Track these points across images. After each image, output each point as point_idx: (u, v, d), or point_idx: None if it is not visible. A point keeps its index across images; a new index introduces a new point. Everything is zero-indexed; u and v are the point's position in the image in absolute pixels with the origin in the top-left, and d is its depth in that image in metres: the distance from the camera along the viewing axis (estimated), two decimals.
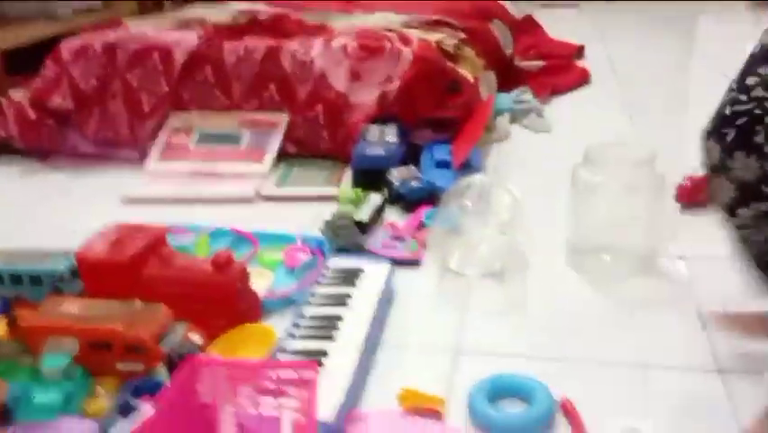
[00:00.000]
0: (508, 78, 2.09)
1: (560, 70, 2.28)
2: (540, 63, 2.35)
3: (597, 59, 2.47)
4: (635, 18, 3.30)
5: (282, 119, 1.63)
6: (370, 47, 1.59)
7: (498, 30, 2.19)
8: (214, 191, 1.50)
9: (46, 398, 0.84)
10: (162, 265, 1.00)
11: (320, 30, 1.70)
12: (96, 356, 0.89)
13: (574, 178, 1.16)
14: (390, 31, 1.67)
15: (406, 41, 1.60)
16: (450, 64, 1.59)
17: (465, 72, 1.60)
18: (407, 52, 1.56)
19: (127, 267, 0.98)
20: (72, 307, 0.94)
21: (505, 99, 1.93)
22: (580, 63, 2.39)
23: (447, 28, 1.80)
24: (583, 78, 2.23)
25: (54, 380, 0.86)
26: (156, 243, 1.03)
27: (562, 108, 2.01)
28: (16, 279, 1.05)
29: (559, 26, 2.84)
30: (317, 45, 1.61)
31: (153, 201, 1.47)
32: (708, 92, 1.03)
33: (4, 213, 1.48)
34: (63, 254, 1.04)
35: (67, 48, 1.78)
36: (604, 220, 1.15)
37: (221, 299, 0.97)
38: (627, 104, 2.01)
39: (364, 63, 1.58)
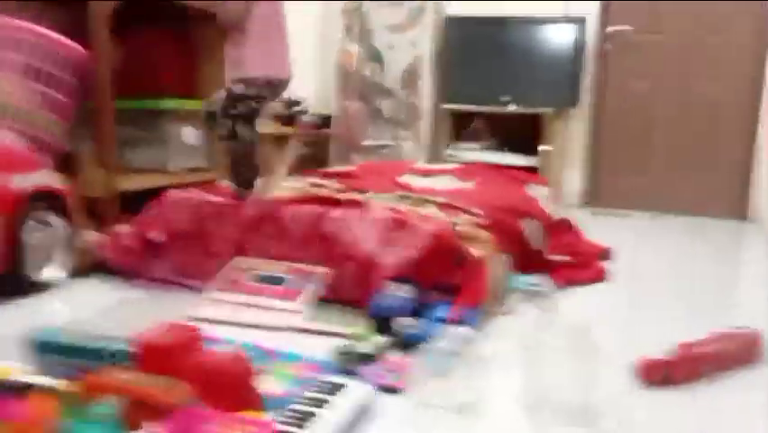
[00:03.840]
0: (531, 265, 2.39)
1: (581, 266, 2.57)
2: (566, 258, 2.65)
3: (624, 262, 2.74)
4: (678, 229, 3.57)
5: (320, 271, 1.99)
6: (398, 221, 1.97)
7: (528, 226, 2.52)
8: (256, 319, 1.84)
9: None
10: (192, 354, 1.32)
11: (361, 204, 2.10)
12: (132, 413, 1.18)
13: (526, 339, 1.42)
14: (416, 210, 2.05)
15: (427, 219, 1.97)
16: (461, 243, 1.92)
17: (475, 250, 1.93)
18: (426, 228, 1.92)
19: (166, 352, 1.30)
20: (122, 375, 1.26)
21: (520, 280, 2.22)
22: (604, 263, 2.67)
23: (467, 215, 2.16)
24: (598, 276, 2.49)
25: (98, 422, 1.16)
26: (192, 339, 1.35)
27: (571, 296, 2.28)
28: (85, 352, 1.39)
29: (602, 229, 3.16)
30: (355, 216, 2.01)
31: (209, 321, 1.82)
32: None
33: (89, 313, 1.86)
34: (122, 339, 1.39)
35: (170, 196, 2.25)
36: (547, 377, 1.39)
37: (229, 385, 1.27)
38: (629, 303, 2.25)
39: (391, 233, 1.95)
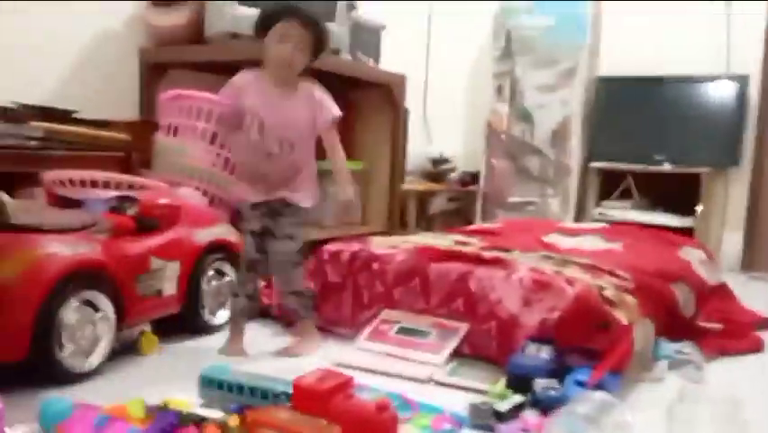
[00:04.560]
0: (680, 332, 2.32)
1: (735, 335, 2.45)
2: (719, 326, 2.54)
3: None
4: None
5: (463, 327, 2.08)
6: (542, 282, 2.01)
7: (680, 291, 2.46)
8: (400, 370, 1.96)
9: None
10: (344, 399, 1.45)
11: (505, 263, 2.17)
12: None
13: (670, 412, 1.42)
14: (559, 272, 2.09)
15: (571, 282, 2.00)
16: (606, 307, 1.94)
17: (620, 316, 1.93)
18: (570, 291, 1.95)
19: (321, 395, 1.44)
20: (282, 414, 1.42)
21: (667, 348, 2.17)
22: (761, 333, 2.53)
23: (614, 278, 2.16)
24: (755, 346, 2.37)
25: None
26: (344, 385, 1.49)
27: (722, 367, 2.18)
28: (251, 391, 1.56)
29: (761, 296, 2.98)
30: (500, 275, 2.08)
31: (356, 368, 1.96)
32: None
33: (256, 357, 2.07)
34: (284, 380, 1.55)
35: (326, 250, 2.45)
36: None
37: (375, 431, 1.38)
38: None
39: (535, 294, 2.00)
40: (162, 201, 2.19)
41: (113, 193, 2.23)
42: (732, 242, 4.29)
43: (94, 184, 2.30)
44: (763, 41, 4.20)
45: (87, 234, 1.93)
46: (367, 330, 2.18)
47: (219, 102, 2.14)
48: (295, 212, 2.11)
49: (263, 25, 2.06)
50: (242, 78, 2.12)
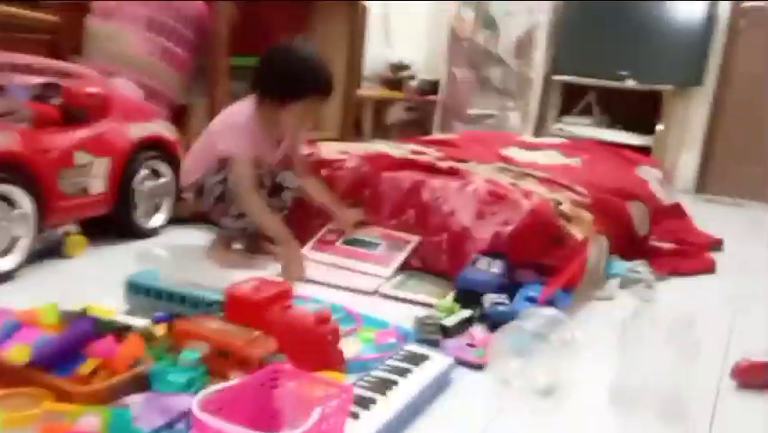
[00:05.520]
0: (633, 251, 2.28)
1: (688, 255, 2.42)
2: (672, 246, 2.51)
3: (736, 255, 2.57)
4: None
5: (414, 240, 1.99)
6: (497, 193, 1.92)
7: (636, 210, 2.40)
8: (346, 281, 1.86)
9: (175, 377, 1.18)
10: (280, 310, 1.35)
11: (461, 173, 2.06)
12: (217, 361, 1.23)
13: (623, 327, 1.36)
14: (515, 184, 1.99)
15: (527, 195, 1.90)
16: (562, 221, 1.85)
17: (575, 231, 1.86)
18: (526, 204, 1.86)
19: (256, 305, 1.34)
20: (212, 324, 1.31)
21: (619, 266, 2.12)
22: (713, 254, 2.51)
23: (571, 193, 2.07)
24: (706, 267, 2.34)
25: (185, 367, 1.21)
26: (282, 295, 1.38)
27: (674, 286, 2.15)
28: (182, 299, 1.45)
29: (714, 218, 2.96)
30: (454, 185, 1.97)
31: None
32: None
33: (186, 260, 1.94)
34: (217, 289, 1.43)
35: None
36: (643, 370, 1.32)
37: (313, 344, 1.28)
38: (737, 297, 2.10)
39: (489, 206, 1.90)
40: (91, 90, 1.99)
41: (37, 80, 2.01)
42: (688, 163, 4.27)
43: (15, 69, 2.06)
44: None
45: (3, 122, 1.74)
46: (313, 240, 2.07)
47: None
48: None
49: (295, 90, 1.88)
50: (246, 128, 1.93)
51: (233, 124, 1.92)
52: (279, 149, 2.02)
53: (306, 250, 2.03)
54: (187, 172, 2.02)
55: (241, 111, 1.94)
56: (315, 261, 1.98)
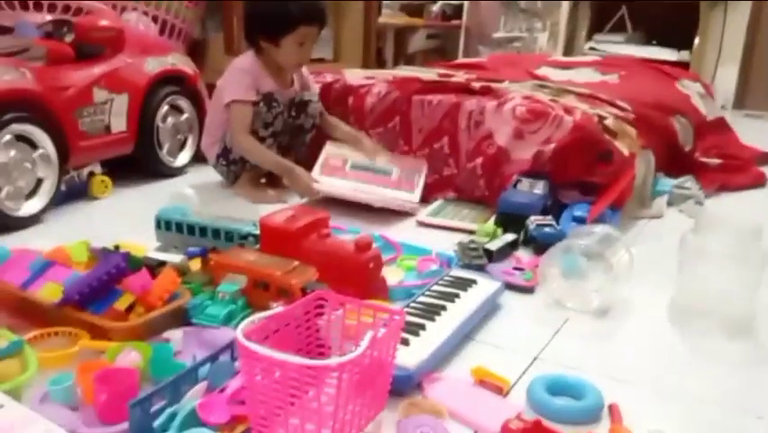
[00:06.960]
0: (679, 167, 2.17)
1: (736, 170, 2.31)
2: (718, 161, 2.39)
3: None
4: None
5: (422, 163, 1.93)
6: (536, 111, 1.80)
7: (679, 124, 2.28)
8: (382, 197, 1.80)
9: (214, 310, 1.13)
10: (318, 239, 1.28)
11: (497, 93, 1.94)
12: (257, 293, 1.17)
13: (683, 242, 1.27)
14: (555, 101, 1.88)
15: (569, 110, 1.79)
16: (607, 137, 1.75)
17: (621, 146, 1.75)
18: (568, 120, 1.75)
19: (293, 235, 1.27)
20: (249, 256, 1.24)
21: (666, 183, 2.02)
22: (762, 169, 2.39)
23: (614, 108, 1.96)
24: (757, 181, 2.23)
25: (223, 301, 1.16)
26: (319, 223, 1.31)
27: (725, 203, 2.05)
28: (215, 233, 1.38)
29: (756, 133, 2.83)
30: (491, 105, 1.86)
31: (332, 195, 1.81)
32: None
33: (217, 196, 1.88)
34: (251, 221, 1.37)
35: None
36: (708, 285, 1.24)
37: (355, 272, 1.22)
38: None
39: (529, 125, 1.80)
40: (104, 24, 1.89)
41: (47, 17, 1.93)
42: (727, 78, 4.07)
43: (24, 7, 1.98)
44: None
45: (17, 60, 1.66)
46: (317, 164, 1.97)
47: None
48: None
49: (282, 24, 1.83)
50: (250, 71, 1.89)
51: (234, 71, 1.90)
52: (291, 88, 1.96)
53: (314, 174, 1.94)
54: (207, 148, 2.00)
55: (242, 62, 1.92)
56: (330, 185, 1.90)
